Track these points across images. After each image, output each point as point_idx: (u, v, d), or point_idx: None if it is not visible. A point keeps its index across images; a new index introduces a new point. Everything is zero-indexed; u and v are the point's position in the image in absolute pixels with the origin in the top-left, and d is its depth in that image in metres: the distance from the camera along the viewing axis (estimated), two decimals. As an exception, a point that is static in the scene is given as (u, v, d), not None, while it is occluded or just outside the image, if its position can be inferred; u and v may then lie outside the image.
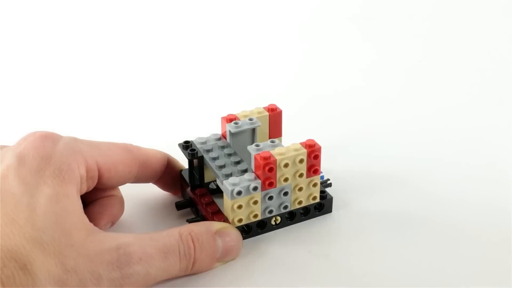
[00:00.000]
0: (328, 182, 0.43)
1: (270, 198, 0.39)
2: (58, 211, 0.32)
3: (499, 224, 0.41)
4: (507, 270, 0.37)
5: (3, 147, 0.37)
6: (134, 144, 0.41)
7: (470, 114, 0.55)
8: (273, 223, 0.40)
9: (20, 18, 0.78)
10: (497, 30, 0.73)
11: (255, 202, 0.38)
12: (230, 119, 0.42)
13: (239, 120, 0.42)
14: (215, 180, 0.42)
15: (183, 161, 0.43)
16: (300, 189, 0.40)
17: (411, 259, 0.38)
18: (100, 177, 0.37)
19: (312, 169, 0.39)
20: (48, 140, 0.35)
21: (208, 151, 0.41)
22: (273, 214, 0.40)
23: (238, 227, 0.39)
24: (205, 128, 0.45)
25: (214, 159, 0.40)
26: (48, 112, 0.58)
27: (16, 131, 0.38)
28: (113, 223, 0.41)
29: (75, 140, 0.37)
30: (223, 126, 0.42)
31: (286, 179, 0.39)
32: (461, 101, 0.58)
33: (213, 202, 0.40)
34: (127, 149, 0.39)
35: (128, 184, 0.41)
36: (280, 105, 0.44)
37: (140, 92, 0.62)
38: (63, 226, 0.32)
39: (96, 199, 0.40)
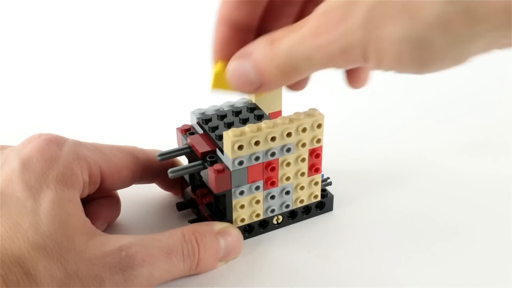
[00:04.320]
0: (328, 180, 0.43)
1: (272, 197, 0.39)
2: (61, 215, 0.32)
3: (499, 224, 0.41)
4: (507, 270, 0.37)
5: (4, 147, 0.37)
6: (133, 141, 0.40)
7: (470, 114, 0.55)
8: (275, 222, 0.40)
9: (23, 19, 0.77)
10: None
11: (257, 202, 0.38)
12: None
13: None
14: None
15: (183, 161, 0.43)
16: (302, 188, 0.40)
17: (411, 258, 0.38)
18: (103, 182, 0.37)
19: (314, 168, 0.39)
20: (53, 143, 0.35)
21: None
22: (275, 213, 0.40)
23: (240, 227, 0.39)
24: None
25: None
26: (50, 111, 0.58)
27: (17, 131, 0.38)
28: (109, 224, 0.41)
29: (79, 144, 0.37)
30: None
31: (288, 178, 0.39)
32: (461, 101, 0.58)
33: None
34: (132, 153, 0.39)
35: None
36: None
37: (140, 91, 0.61)
38: (66, 230, 0.32)
39: (93, 199, 0.40)
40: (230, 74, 0.32)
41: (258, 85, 0.31)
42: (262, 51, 0.30)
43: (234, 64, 0.31)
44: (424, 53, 0.25)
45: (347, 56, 0.27)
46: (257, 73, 0.30)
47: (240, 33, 0.33)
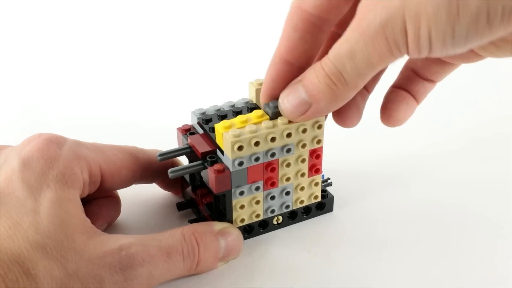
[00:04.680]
0: (329, 181, 0.43)
1: (272, 197, 0.39)
2: (61, 215, 0.32)
3: (499, 225, 0.41)
4: (507, 270, 0.37)
5: (4, 147, 0.37)
6: (133, 141, 0.40)
7: (470, 114, 0.56)
8: (275, 222, 0.40)
9: (24, 18, 0.78)
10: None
11: (257, 202, 0.38)
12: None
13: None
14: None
15: (184, 161, 0.43)
16: (302, 188, 0.40)
17: (411, 258, 0.38)
18: (103, 182, 0.37)
19: (314, 169, 0.39)
20: (53, 143, 0.35)
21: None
22: (275, 213, 0.40)
23: (240, 227, 0.39)
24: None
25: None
26: (50, 111, 0.58)
27: (17, 131, 0.38)
28: (109, 224, 0.41)
29: (79, 144, 0.37)
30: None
31: (288, 179, 0.39)
32: (461, 101, 0.58)
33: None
34: (132, 153, 0.39)
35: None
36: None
37: (140, 91, 0.61)
38: (66, 230, 0.32)
39: (93, 199, 0.40)
40: (283, 98, 0.34)
41: (309, 104, 0.33)
42: (312, 71, 0.32)
43: (287, 89, 0.34)
44: (457, 19, 0.26)
45: (388, 33, 0.27)
46: (307, 92, 0.32)
47: (296, 71, 0.34)
